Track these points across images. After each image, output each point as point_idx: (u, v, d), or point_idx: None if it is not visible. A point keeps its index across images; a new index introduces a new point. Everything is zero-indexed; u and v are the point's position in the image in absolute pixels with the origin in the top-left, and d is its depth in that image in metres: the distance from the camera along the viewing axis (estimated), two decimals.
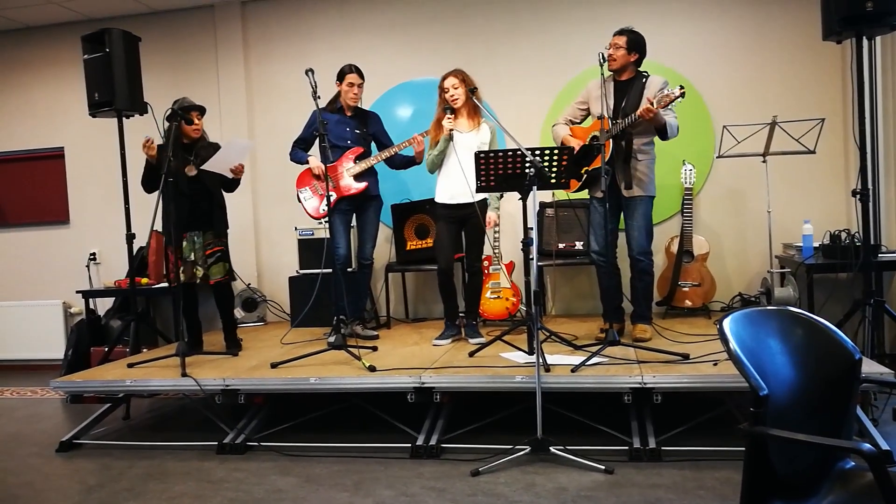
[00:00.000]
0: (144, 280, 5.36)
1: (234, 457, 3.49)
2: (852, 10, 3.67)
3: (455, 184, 4.06)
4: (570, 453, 3.09)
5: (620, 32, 3.90)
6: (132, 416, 4.33)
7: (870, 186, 3.89)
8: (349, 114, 4.50)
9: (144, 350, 4.76)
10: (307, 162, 4.48)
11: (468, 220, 4.12)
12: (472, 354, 3.79)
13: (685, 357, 3.47)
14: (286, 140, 4.64)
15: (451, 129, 4.05)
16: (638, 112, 3.67)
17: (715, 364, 3.33)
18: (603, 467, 3.01)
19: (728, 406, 3.56)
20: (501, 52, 5.35)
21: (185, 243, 4.16)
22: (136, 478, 3.27)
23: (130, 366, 4.03)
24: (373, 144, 4.60)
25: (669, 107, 3.71)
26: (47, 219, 6.20)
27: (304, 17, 5.69)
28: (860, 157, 3.89)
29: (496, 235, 4.65)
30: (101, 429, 4.04)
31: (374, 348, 4.12)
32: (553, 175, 3.49)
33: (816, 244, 4.36)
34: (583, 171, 3.97)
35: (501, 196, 4.38)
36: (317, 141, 4.44)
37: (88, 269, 5.97)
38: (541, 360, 3.22)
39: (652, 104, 3.60)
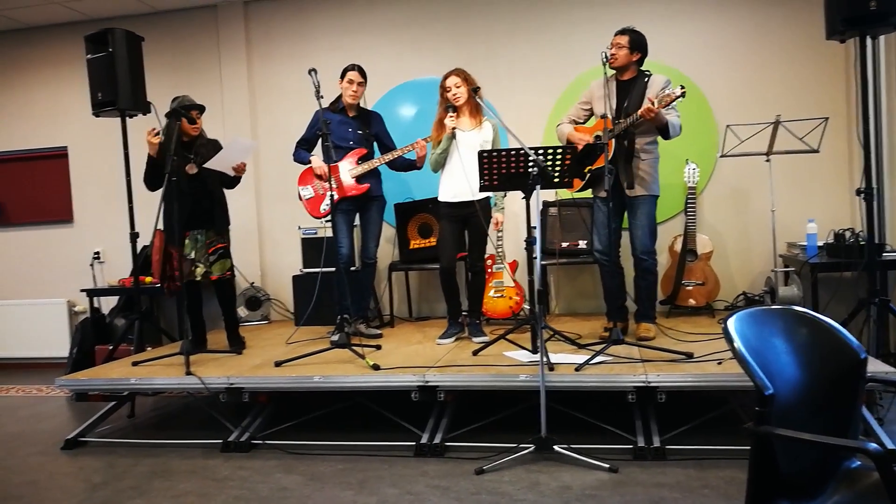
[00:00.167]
0: (148, 279, 5.36)
1: (238, 455, 3.49)
2: (856, 10, 3.67)
3: (458, 182, 4.07)
4: (574, 452, 3.10)
5: (622, 32, 3.90)
6: (137, 414, 4.34)
7: (874, 185, 3.88)
8: (351, 114, 4.50)
9: (149, 348, 4.77)
10: (310, 162, 4.48)
11: (471, 218, 4.13)
12: (475, 353, 3.79)
13: (689, 356, 3.47)
14: (289, 140, 4.65)
15: (454, 128, 4.05)
16: (639, 112, 3.67)
17: (719, 363, 3.33)
18: (607, 466, 3.01)
19: (732, 405, 3.56)
20: (503, 52, 5.34)
21: (186, 241, 4.17)
22: (141, 476, 3.28)
23: (135, 364, 4.05)
24: (375, 145, 4.61)
25: (672, 106, 3.71)
26: (51, 218, 6.21)
27: (307, 16, 5.69)
28: (864, 156, 3.88)
29: (499, 234, 4.65)
30: (106, 427, 4.06)
31: (378, 347, 4.12)
32: (556, 174, 3.49)
33: (820, 243, 4.35)
34: (586, 171, 3.97)
35: (505, 195, 4.39)
36: (319, 141, 4.45)
37: (92, 268, 5.98)
38: (545, 359, 3.22)
39: (653, 104, 3.60)
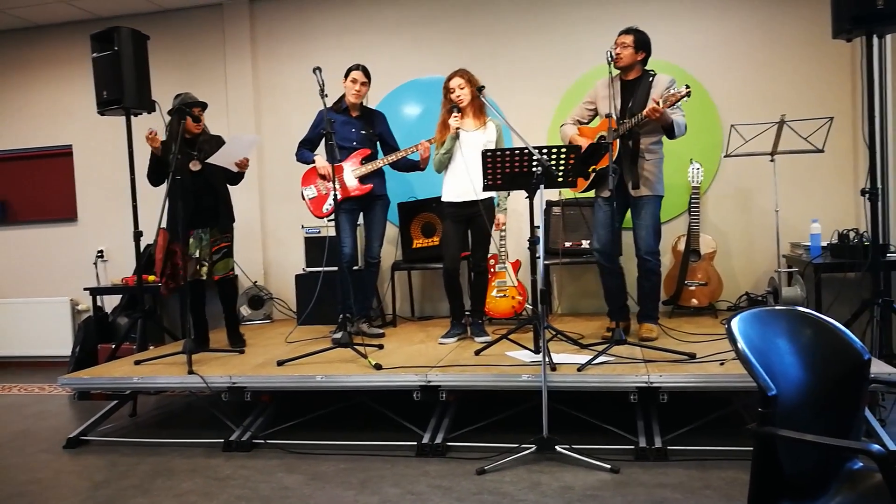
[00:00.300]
0: (152, 277, 5.36)
1: (240, 454, 3.50)
2: (863, 9, 3.65)
3: (461, 182, 4.06)
4: (575, 452, 3.09)
5: (627, 31, 3.89)
6: (139, 413, 4.35)
7: (879, 185, 3.86)
8: (355, 114, 4.50)
9: (151, 347, 4.78)
10: (313, 162, 4.48)
11: (474, 218, 4.12)
12: (478, 353, 3.79)
13: (692, 356, 3.46)
14: (293, 138, 4.65)
15: (458, 129, 4.05)
16: (644, 112, 3.66)
17: (721, 363, 3.32)
18: (609, 466, 3.00)
19: (735, 406, 3.55)
20: (507, 51, 5.34)
21: (191, 240, 4.18)
22: (144, 474, 3.28)
23: (137, 363, 4.05)
24: (378, 144, 4.61)
25: (677, 105, 3.70)
26: (55, 216, 6.23)
27: (312, 15, 5.69)
28: (869, 155, 3.87)
29: (502, 234, 4.65)
30: (109, 425, 4.06)
31: (380, 346, 4.12)
32: (560, 174, 3.49)
33: (824, 243, 4.34)
34: (590, 171, 3.96)
35: (508, 195, 4.38)
36: (323, 140, 4.45)
37: (96, 267, 5.99)
38: (547, 359, 3.22)
39: (658, 104, 3.59)
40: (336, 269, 4.32)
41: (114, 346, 4.90)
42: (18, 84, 6.24)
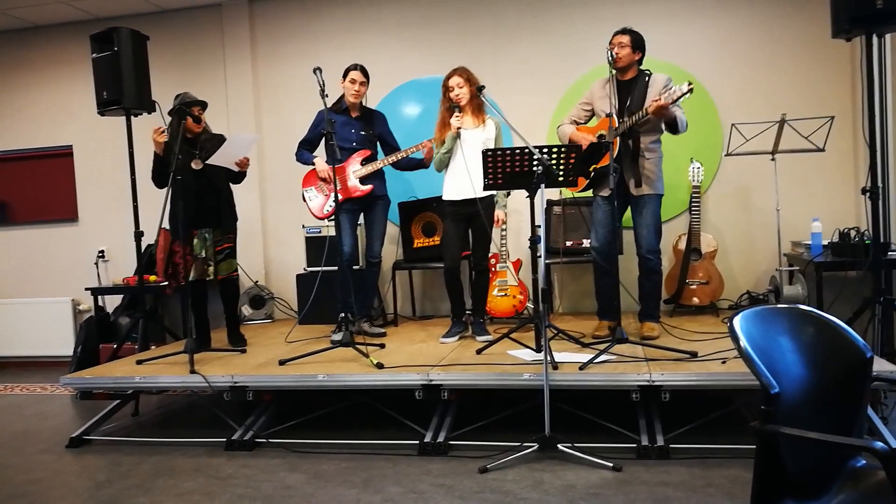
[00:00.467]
0: (153, 277, 5.37)
1: (242, 453, 3.50)
2: (862, 9, 3.65)
3: (461, 181, 4.07)
4: (578, 451, 3.09)
5: (623, 32, 3.90)
6: (141, 412, 4.35)
7: (879, 184, 3.86)
8: (354, 115, 4.50)
9: (153, 347, 4.78)
10: (313, 163, 4.48)
11: (475, 217, 4.12)
12: (479, 352, 3.79)
13: (693, 355, 3.46)
14: (294, 138, 4.65)
15: (459, 128, 4.05)
16: (649, 108, 3.67)
17: (723, 362, 3.32)
18: (611, 465, 3.01)
19: (736, 404, 3.56)
20: (507, 51, 5.34)
21: (195, 240, 4.18)
22: (146, 474, 3.29)
23: (139, 363, 4.06)
24: (378, 145, 4.60)
25: (677, 104, 3.70)
26: (56, 217, 6.23)
27: (312, 15, 5.69)
28: (870, 154, 3.87)
29: (503, 233, 4.65)
30: (111, 425, 4.07)
31: (382, 346, 4.12)
32: (561, 173, 3.49)
33: (825, 242, 4.34)
34: (591, 170, 3.96)
35: (508, 194, 4.38)
36: (323, 141, 4.45)
37: (97, 267, 5.99)
38: (548, 358, 3.22)
39: (654, 102, 3.61)
40: (335, 268, 4.32)
41: (115, 346, 4.91)
42: (19, 84, 6.24)
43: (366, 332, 4.45)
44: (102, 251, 6.05)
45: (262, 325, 5.39)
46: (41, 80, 6.19)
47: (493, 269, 4.63)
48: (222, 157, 4.05)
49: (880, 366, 3.16)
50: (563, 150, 3.45)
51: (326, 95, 3.88)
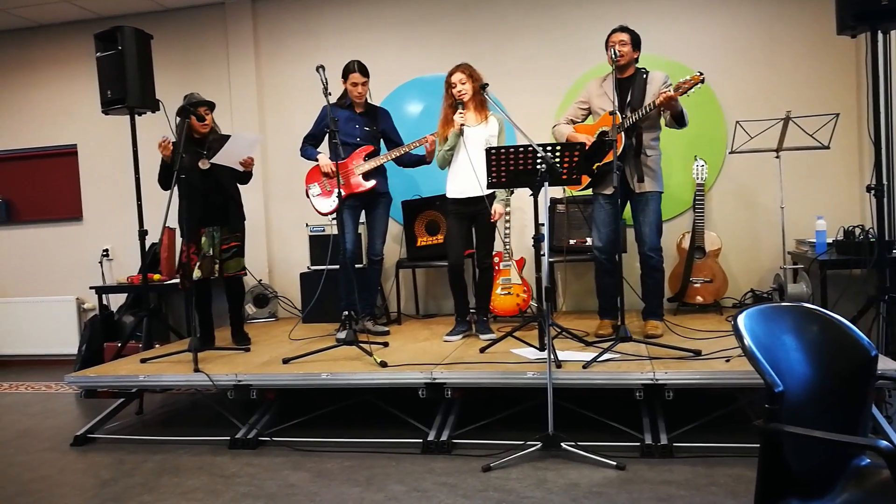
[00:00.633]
0: (157, 276, 5.39)
1: (246, 452, 3.51)
2: (867, 5, 3.65)
3: (465, 179, 4.06)
4: (581, 449, 3.09)
5: (622, 30, 3.90)
6: (145, 410, 4.36)
7: (885, 182, 3.85)
8: (359, 111, 4.50)
9: (157, 345, 4.80)
10: (317, 159, 4.48)
11: (478, 215, 4.12)
12: (482, 350, 3.79)
13: (697, 353, 3.45)
14: (297, 137, 4.65)
15: (462, 125, 4.04)
16: (657, 100, 3.68)
17: (727, 360, 3.31)
18: (614, 463, 3.01)
19: (740, 403, 3.55)
20: (510, 49, 5.33)
21: (203, 239, 4.19)
22: (150, 472, 3.30)
23: (143, 361, 4.06)
24: (381, 141, 4.60)
25: (688, 93, 3.71)
26: (61, 215, 6.25)
27: (314, 14, 5.69)
28: (875, 152, 3.86)
29: (507, 231, 4.65)
30: (115, 423, 4.08)
31: (385, 344, 4.12)
32: (564, 171, 3.48)
33: (830, 240, 4.32)
34: (594, 167, 3.96)
35: (512, 192, 4.37)
36: (327, 137, 4.45)
37: (101, 266, 6.01)
38: (552, 357, 3.22)
39: (664, 94, 3.63)
40: (337, 267, 4.32)
41: (119, 345, 4.92)
42: (23, 84, 6.26)
43: (369, 331, 4.45)
44: (106, 250, 6.07)
45: (265, 324, 5.39)
46: (45, 79, 6.20)
47: (496, 267, 4.62)
48: (225, 157, 4.06)
49: (885, 364, 3.15)
50: (566, 147, 3.45)
51: (329, 93, 3.88)
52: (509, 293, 4.67)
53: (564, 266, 5.17)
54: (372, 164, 4.43)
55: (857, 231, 4.19)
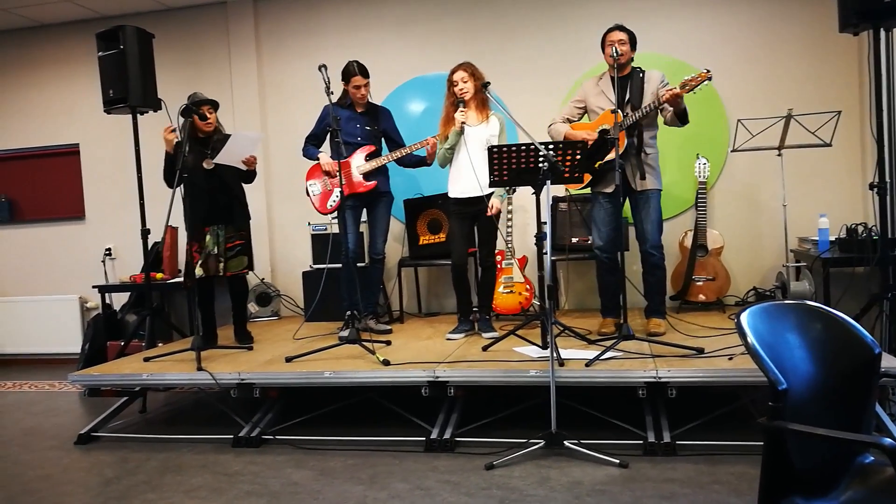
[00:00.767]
0: (159, 275, 5.40)
1: (249, 450, 3.51)
2: (869, 3, 3.64)
3: (466, 178, 4.06)
4: (584, 447, 3.09)
5: (620, 29, 3.90)
6: (148, 409, 4.37)
7: (887, 179, 3.85)
8: (360, 110, 4.50)
9: (160, 344, 4.80)
10: (318, 158, 4.48)
11: (481, 214, 4.12)
12: (485, 349, 3.79)
13: (700, 351, 3.45)
14: (299, 136, 4.65)
15: (463, 123, 4.04)
16: (665, 97, 3.69)
17: (730, 358, 3.31)
18: (617, 461, 3.01)
19: (743, 400, 3.55)
20: (510, 48, 5.33)
21: (207, 237, 4.20)
22: (153, 470, 3.30)
23: (146, 360, 4.07)
24: (383, 141, 4.60)
25: (694, 90, 3.71)
26: (63, 214, 6.26)
27: (316, 13, 5.69)
28: (877, 149, 3.85)
29: (508, 230, 4.65)
30: (119, 422, 4.08)
31: (388, 343, 4.13)
32: (567, 169, 3.48)
33: (832, 238, 4.32)
34: (596, 165, 3.95)
35: (514, 190, 4.37)
36: (328, 137, 4.45)
37: (104, 265, 6.02)
38: (555, 355, 3.22)
39: (670, 91, 3.64)
40: (339, 266, 4.33)
41: (123, 344, 4.93)
42: (25, 83, 6.27)
43: (372, 329, 4.46)
44: (109, 249, 6.08)
45: (268, 323, 5.40)
46: (47, 79, 6.21)
47: (499, 266, 4.63)
48: (227, 156, 4.06)
49: (888, 362, 3.15)
50: (568, 146, 3.45)
51: (332, 92, 3.88)
52: (512, 291, 4.67)
53: (567, 264, 5.17)
54: (373, 164, 4.43)
55: (860, 229, 4.18)
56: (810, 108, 4.46)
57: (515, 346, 3.79)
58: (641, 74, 3.90)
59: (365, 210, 4.61)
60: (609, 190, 3.90)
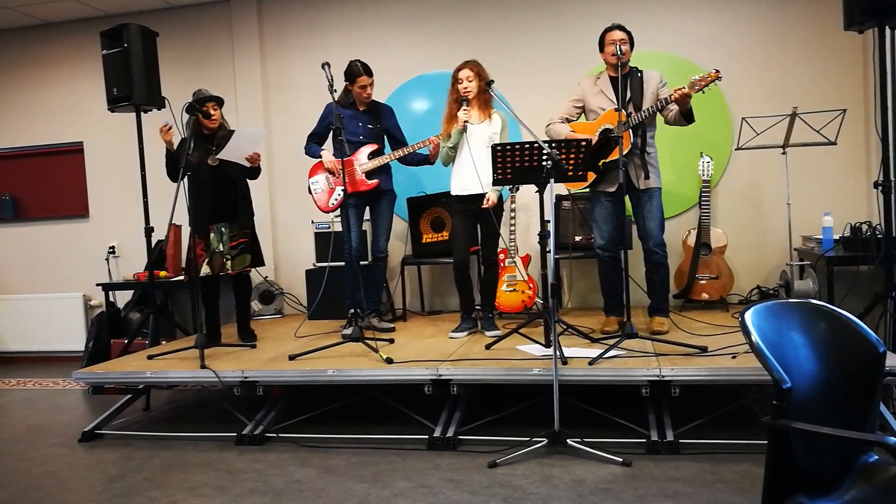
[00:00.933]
0: (163, 273, 5.41)
1: (252, 448, 3.52)
2: (875, 1, 3.62)
3: (468, 176, 4.06)
4: (587, 446, 3.09)
5: (620, 28, 3.90)
6: (152, 407, 4.38)
7: (892, 178, 3.83)
8: (362, 108, 4.49)
9: (163, 342, 4.81)
10: (320, 156, 4.48)
11: (483, 212, 4.12)
12: (488, 347, 3.79)
13: (703, 350, 3.45)
14: (302, 134, 4.65)
15: (466, 121, 4.04)
16: (674, 96, 3.69)
17: (734, 357, 3.31)
18: (620, 460, 3.01)
19: (746, 399, 3.55)
20: (514, 47, 5.32)
21: (212, 235, 4.20)
22: (157, 468, 3.31)
23: (150, 357, 4.08)
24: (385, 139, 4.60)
25: (703, 90, 3.71)
26: (67, 213, 6.27)
27: (319, 11, 5.69)
28: (882, 148, 3.84)
29: (511, 228, 4.64)
30: (122, 419, 4.10)
31: (391, 341, 4.13)
32: (570, 168, 3.48)
33: (837, 236, 4.31)
34: (600, 164, 3.95)
35: (517, 188, 4.37)
36: (331, 135, 4.45)
37: (108, 263, 6.03)
38: (558, 353, 3.22)
39: (680, 90, 3.65)
40: (342, 264, 4.33)
41: (126, 341, 4.95)
42: (29, 81, 6.28)
43: (375, 328, 4.46)
44: (113, 247, 6.09)
45: (271, 321, 5.41)
46: (51, 77, 6.22)
47: (501, 264, 4.63)
48: (230, 153, 4.07)
49: (893, 361, 3.13)
50: (572, 144, 3.44)
51: (335, 91, 3.88)
52: (515, 290, 4.67)
53: (570, 263, 5.17)
54: (376, 163, 4.43)
55: (865, 227, 4.17)
56: (815, 106, 4.45)
57: (518, 344, 3.78)
58: (640, 74, 3.90)
59: (368, 208, 4.61)
60: (611, 189, 3.90)
